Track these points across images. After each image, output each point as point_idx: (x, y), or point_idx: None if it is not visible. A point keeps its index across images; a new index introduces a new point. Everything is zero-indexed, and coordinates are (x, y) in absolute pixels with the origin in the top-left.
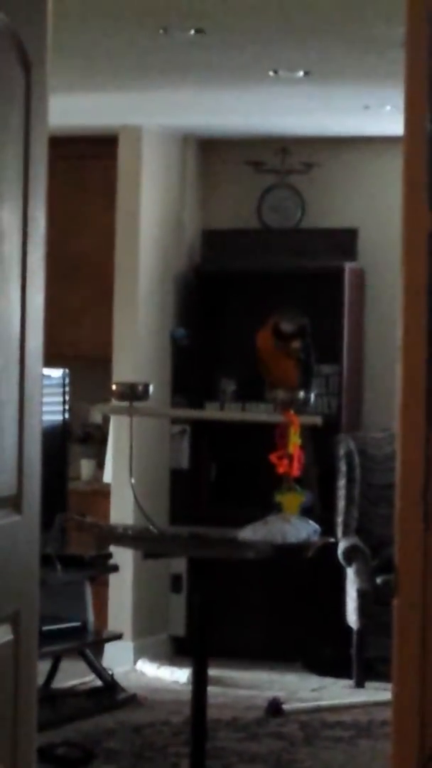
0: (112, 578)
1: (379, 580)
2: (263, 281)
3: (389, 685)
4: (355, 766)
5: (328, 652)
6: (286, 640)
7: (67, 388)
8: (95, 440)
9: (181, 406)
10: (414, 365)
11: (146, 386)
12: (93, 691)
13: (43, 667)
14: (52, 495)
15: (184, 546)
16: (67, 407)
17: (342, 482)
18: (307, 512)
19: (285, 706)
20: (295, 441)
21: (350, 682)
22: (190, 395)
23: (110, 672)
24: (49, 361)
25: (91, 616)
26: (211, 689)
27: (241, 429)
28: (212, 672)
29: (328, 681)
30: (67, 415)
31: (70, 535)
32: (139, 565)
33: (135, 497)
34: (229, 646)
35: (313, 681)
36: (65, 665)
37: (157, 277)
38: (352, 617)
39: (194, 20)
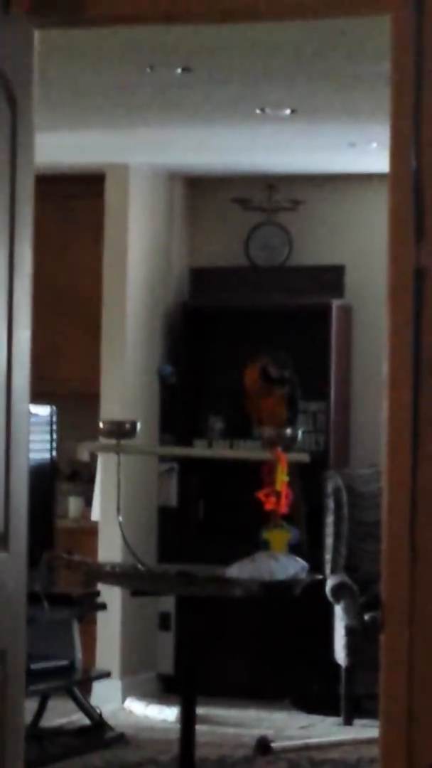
0: (100, 616)
1: (367, 617)
2: (251, 318)
3: (378, 723)
4: None
5: (316, 690)
6: (274, 678)
7: (54, 426)
8: (83, 478)
9: (169, 443)
10: (400, 402)
11: (134, 424)
12: (81, 730)
13: (31, 705)
14: (39, 533)
15: (172, 584)
16: (54, 445)
17: (330, 519)
18: (294, 549)
19: (273, 744)
20: (282, 478)
21: (338, 720)
22: (177, 433)
23: (98, 710)
24: (36, 398)
25: (79, 654)
26: (199, 727)
27: (229, 466)
28: (200, 710)
29: (317, 718)
30: (54, 453)
31: (58, 573)
32: (127, 603)
33: (123, 535)
34: (217, 684)
35: (302, 719)
36: (53, 704)
37: (145, 315)
38: (340, 654)
39: (181, 59)
